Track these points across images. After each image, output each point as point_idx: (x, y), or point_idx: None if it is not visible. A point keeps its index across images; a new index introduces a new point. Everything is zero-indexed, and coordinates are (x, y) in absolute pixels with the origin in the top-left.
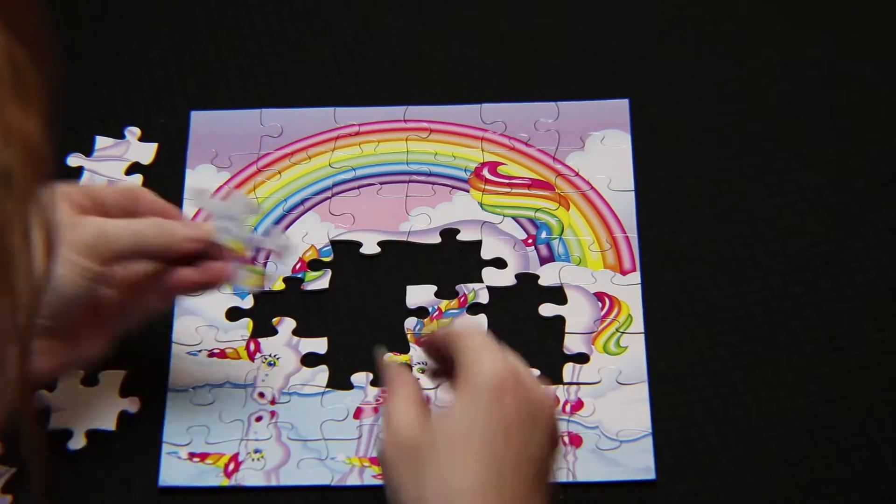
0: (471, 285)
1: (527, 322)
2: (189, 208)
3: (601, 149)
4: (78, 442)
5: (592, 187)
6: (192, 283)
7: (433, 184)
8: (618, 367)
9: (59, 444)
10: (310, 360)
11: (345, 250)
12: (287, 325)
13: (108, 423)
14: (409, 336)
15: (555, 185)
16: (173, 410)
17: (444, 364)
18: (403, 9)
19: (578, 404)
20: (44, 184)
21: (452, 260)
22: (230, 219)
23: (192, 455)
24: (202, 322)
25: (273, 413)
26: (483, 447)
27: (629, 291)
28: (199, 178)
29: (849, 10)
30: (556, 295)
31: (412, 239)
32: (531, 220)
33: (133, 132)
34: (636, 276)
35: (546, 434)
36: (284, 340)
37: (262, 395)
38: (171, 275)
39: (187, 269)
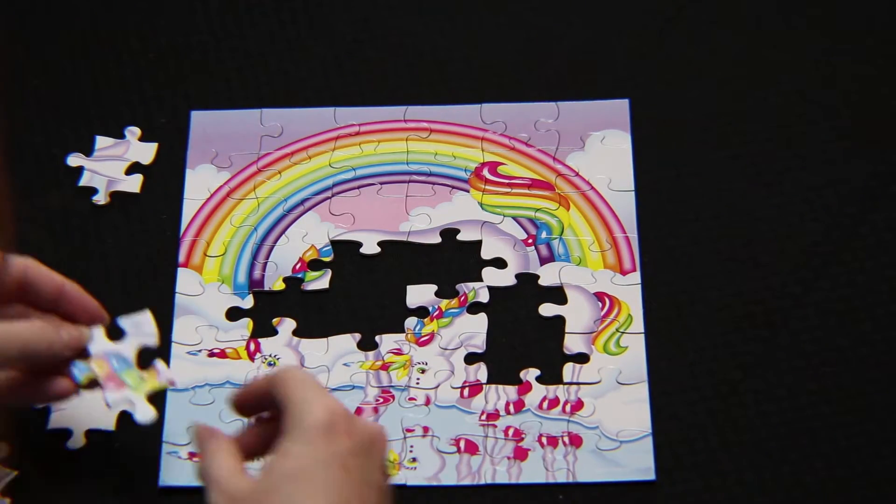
0: (471, 284)
1: (527, 322)
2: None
3: (601, 149)
4: (77, 442)
5: (592, 187)
6: (68, 395)
7: (433, 184)
8: (618, 367)
9: (59, 444)
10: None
11: (345, 250)
12: (287, 325)
13: (108, 424)
14: (408, 336)
15: (555, 185)
16: (173, 410)
17: (263, 409)
18: (403, 9)
19: (578, 404)
20: None
21: (452, 260)
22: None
23: (192, 455)
24: (202, 322)
25: None
26: (324, 482)
27: (629, 291)
28: (200, 177)
29: (848, 10)
30: (556, 295)
31: (412, 239)
32: (531, 220)
33: (133, 132)
34: (636, 276)
35: (380, 463)
36: (284, 341)
37: None
38: (52, 385)
39: (65, 380)
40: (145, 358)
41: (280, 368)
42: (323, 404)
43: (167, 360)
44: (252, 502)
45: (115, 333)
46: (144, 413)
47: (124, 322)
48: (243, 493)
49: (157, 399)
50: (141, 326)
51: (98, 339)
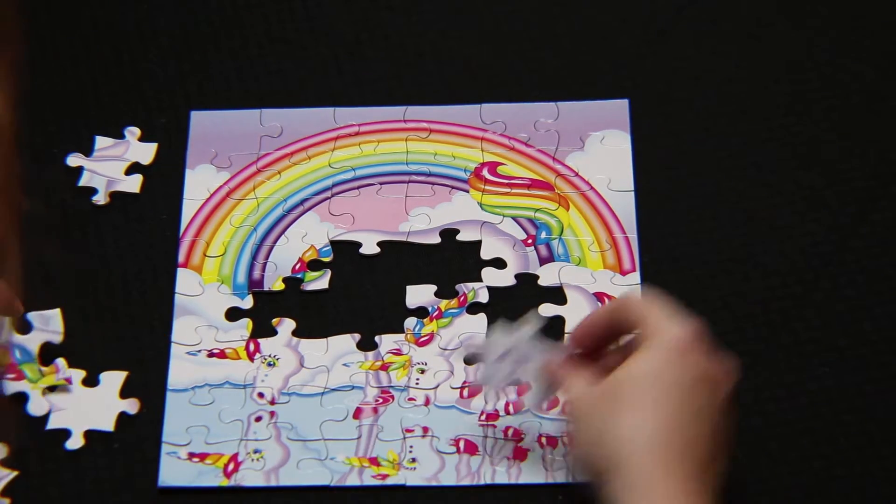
0: (470, 284)
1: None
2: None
3: (601, 149)
4: (76, 442)
5: (592, 187)
6: None
7: (433, 184)
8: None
9: (58, 444)
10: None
11: (345, 250)
12: (287, 325)
13: (107, 424)
14: (408, 336)
15: (554, 185)
16: (173, 410)
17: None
18: (403, 9)
19: None
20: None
21: (452, 260)
22: None
23: (191, 455)
24: (202, 322)
25: (273, 413)
26: (669, 395)
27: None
28: (199, 177)
29: (849, 10)
30: (556, 295)
31: (412, 239)
32: (531, 221)
33: (133, 132)
34: (636, 277)
35: (726, 403)
36: (284, 341)
37: (261, 395)
38: None
39: None
40: (49, 355)
41: (626, 296)
42: (681, 327)
43: (166, 360)
44: (602, 400)
45: (24, 327)
46: (38, 406)
47: (33, 316)
48: (594, 396)
49: (157, 399)
50: (48, 323)
51: (4, 328)
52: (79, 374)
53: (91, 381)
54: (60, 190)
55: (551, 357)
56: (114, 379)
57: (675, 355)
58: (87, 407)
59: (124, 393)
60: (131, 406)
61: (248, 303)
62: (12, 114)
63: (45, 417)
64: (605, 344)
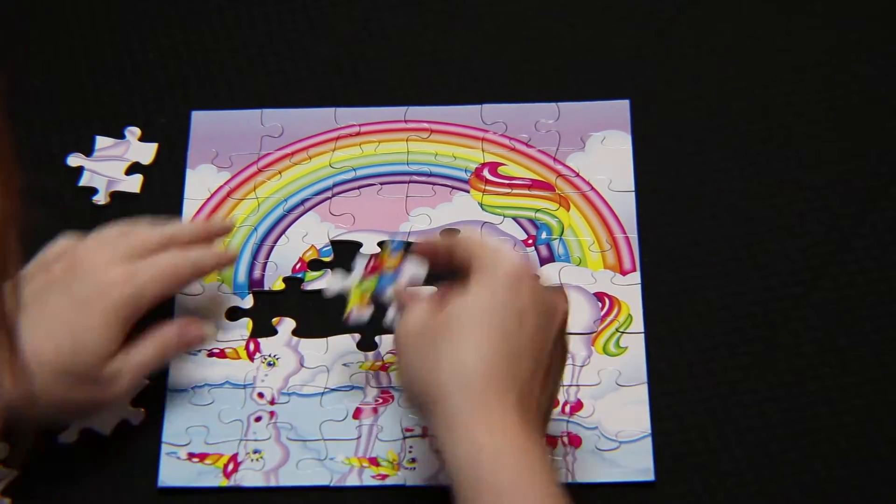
0: None
1: None
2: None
3: (602, 149)
4: (70, 436)
5: (593, 188)
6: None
7: (433, 184)
8: (617, 368)
9: (51, 436)
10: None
11: (345, 250)
12: (287, 325)
13: (106, 427)
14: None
15: (555, 185)
16: (172, 410)
17: (438, 267)
18: (403, 9)
19: (578, 405)
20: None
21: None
22: None
23: (191, 455)
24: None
25: (272, 413)
26: (497, 326)
27: (629, 292)
28: (200, 177)
29: (849, 9)
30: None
31: (412, 239)
32: (531, 221)
33: (133, 132)
34: (636, 277)
35: (558, 333)
36: (284, 341)
37: (261, 395)
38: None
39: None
40: None
41: (462, 235)
42: (511, 259)
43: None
44: (428, 337)
45: None
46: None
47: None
48: (421, 329)
49: (157, 399)
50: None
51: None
52: None
53: None
54: (60, 190)
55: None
56: None
57: (503, 286)
58: None
59: (135, 401)
60: (136, 416)
61: (248, 302)
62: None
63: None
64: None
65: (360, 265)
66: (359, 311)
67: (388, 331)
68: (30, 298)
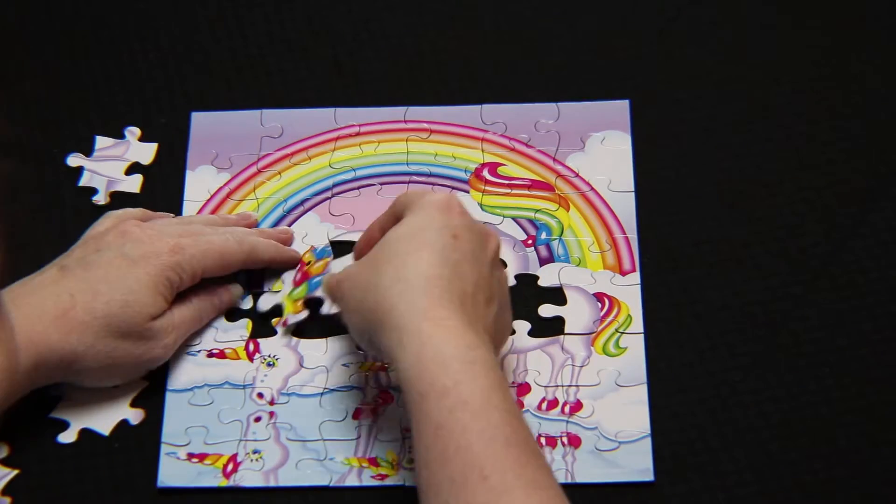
0: None
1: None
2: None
3: (601, 150)
4: (69, 436)
5: (592, 188)
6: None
7: (433, 184)
8: (617, 368)
9: (52, 435)
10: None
11: (345, 250)
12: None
13: (105, 428)
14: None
15: (555, 185)
16: (172, 411)
17: None
18: (403, 9)
19: (577, 405)
20: None
21: None
22: None
23: (190, 455)
24: None
25: (272, 414)
26: (433, 241)
27: (629, 292)
28: (200, 178)
29: (849, 9)
30: (556, 296)
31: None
32: (531, 221)
33: (133, 132)
34: (636, 277)
35: (493, 260)
36: (284, 341)
37: (261, 395)
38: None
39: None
40: None
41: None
42: (440, 194)
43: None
44: (364, 266)
45: None
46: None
47: None
48: (357, 267)
49: (156, 400)
50: None
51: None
52: None
53: None
54: (60, 190)
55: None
56: (132, 385)
57: (433, 210)
58: (93, 405)
59: (135, 402)
60: (135, 416)
61: (247, 303)
62: None
63: (54, 403)
64: None
65: (288, 278)
66: (293, 316)
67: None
68: (80, 261)
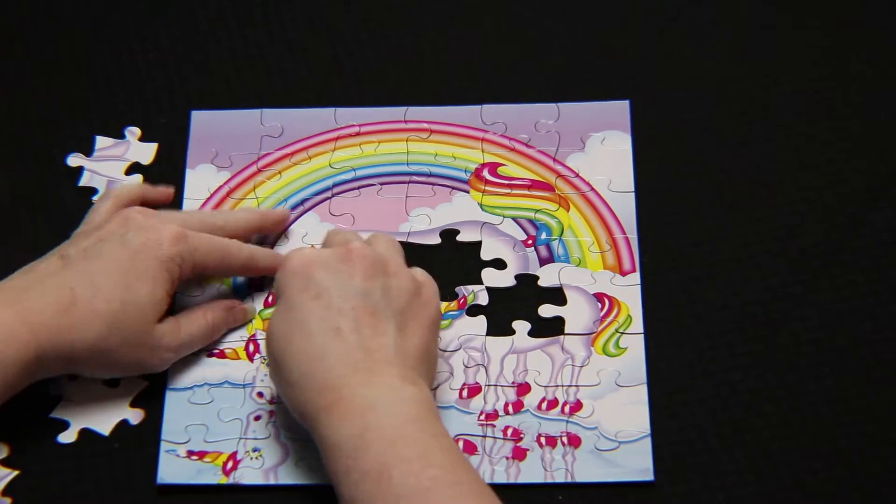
0: (470, 287)
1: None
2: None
3: (601, 150)
4: (69, 436)
5: (592, 188)
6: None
7: (433, 184)
8: (617, 368)
9: (52, 435)
10: None
11: None
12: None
13: (105, 428)
14: None
15: (555, 186)
16: (172, 409)
17: None
18: (403, 9)
19: (577, 405)
20: None
21: (452, 261)
22: None
23: (190, 453)
24: None
25: (272, 413)
26: (305, 334)
27: (629, 292)
28: (200, 177)
29: (849, 9)
30: (556, 296)
31: (412, 240)
32: (531, 221)
33: (133, 132)
34: (636, 277)
35: (365, 274)
36: None
37: (260, 394)
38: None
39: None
40: None
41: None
42: (290, 258)
43: None
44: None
45: None
46: None
47: None
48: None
49: (156, 398)
50: None
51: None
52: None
53: (112, 382)
54: (60, 190)
55: None
56: (132, 385)
57: (295, 286)
58: (93, 405)
59: (135, 402)
60: (135, 416)
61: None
62: None
63: (54, 403)
64: None
65: (259, 300)
66: (263, 332)
67: None
68: (82, 252)
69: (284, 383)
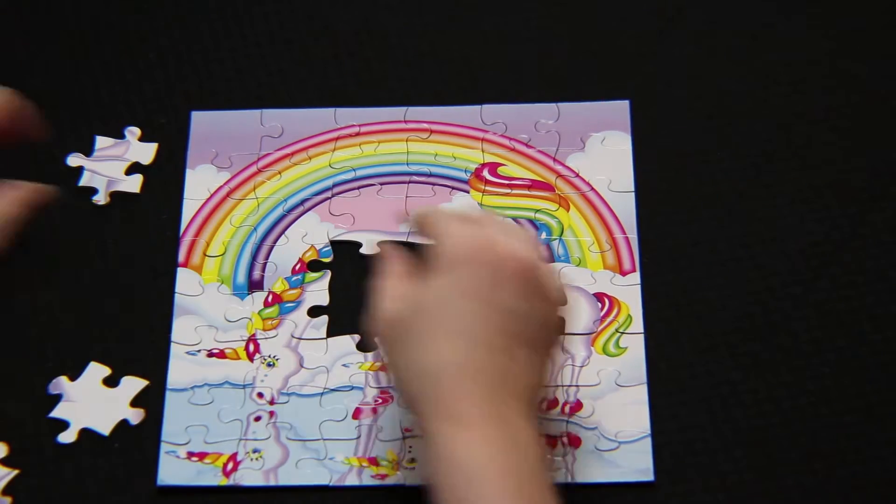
0: None
1: None
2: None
3: (601, 150)
4: (69, 436)
5: (592, 188)
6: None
7: (433, 184)
8: (617, 368)
9: (52, 435)
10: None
11: (345, 250)
12: (287, 326)
13: (105, 428)
14: None
15: (555, 186)
16: (172, 410)
17: None
18: (403, 9)
19: (577, 405)
20: None
21: None
22: None
23: (190, 454)
24: (201, 322)
25: (272, 413)
26: (459, 314)
27: (629, 292)
28: (200, 177)
29: (847, 9)
30: None
31: (412, 239)
32: (531, 221)
33: (133, 132)
34: (636, 277)
35: (531, 289)
36: (284, 341)
37: (261, 395)
38: None
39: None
40: None
41: (422, 210)
42: (465, 236)
43: (166, 360)
44: (398, 330)
45: None
46: None
47: None
48: (388, 316)
49: (156, 399)
50: None
51: None
52: (103, 371)
53: (112, 382)
54: (60, 190)
55: None
56: (132, 385)
57: (461, 271)
58: (93, 405)
59: (136, 401)
60: (135, 416)
61: (248, 303)
62: None
63: (54, 403)
64: None
65: (259, 297)
66: (262, 332)
67: None
68: None
69: (410, 371)
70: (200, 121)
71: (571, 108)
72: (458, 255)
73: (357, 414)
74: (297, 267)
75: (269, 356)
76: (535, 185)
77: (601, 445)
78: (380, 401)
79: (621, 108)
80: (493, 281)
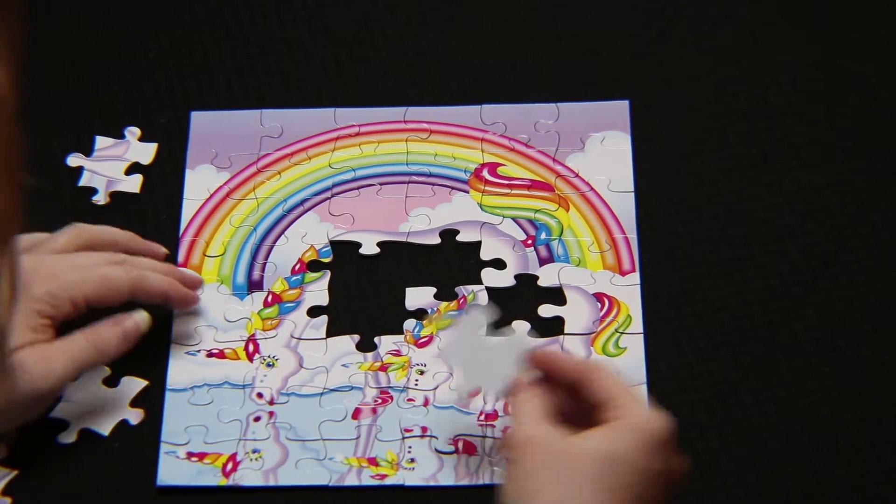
0: (470, 287)
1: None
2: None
3: (601, 150)
4: (69, 437)
5: (592, 188)
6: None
7: (433, 184)
8: (616, 368)
9: (52, 435)
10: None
11: (344, 251)
12: (286, 326)
13: (104, 428)
14: (407, 337)
15: (554, 186)
16: (172, 410)
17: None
18: (403, 9)
19: None
20: (7, 131)
21: (452, 261)
22: None
23: (190, 455)
24: (201, 322)
25: (271, 413)
26: (615, 484)
27: (628, 292)
28: (199, 177)
29: (847, 10)
30: (556, 296)
31: (412, 240)
32: (531, 221)
33: (133, 132)
34: (635, 277)
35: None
36: (283, 342)
37: (260, 395)
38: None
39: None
40: None
41: (597, 371)
42: (658, 419)
43: (166, 360)
44: (542, 450)
45: None
46: None
47: None
48: (551, 437)
49: (156, 399)
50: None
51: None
52: (103, 372)
53: (111, 382)
54: (60, 190)
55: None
56: (132, 385)
57: (648, 445)
58: (93, 405)
59: (135, 402)
60: (135, 416)
61: (248, 303)
62: (14, 86)
63: (54, 403)
64: (559, 383)
65: (258, 298)
66: (262, 332)
67: (387, 332)
68: None
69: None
70: (200, 121)
71: (571, 108)
72: (655, 433)
73: (356, 414)
74: (297, 267)
75: (269, 356)
76: (534, 185)
77: None
78: (379, 401)
79: (621, 108)
80: (660, 478)
